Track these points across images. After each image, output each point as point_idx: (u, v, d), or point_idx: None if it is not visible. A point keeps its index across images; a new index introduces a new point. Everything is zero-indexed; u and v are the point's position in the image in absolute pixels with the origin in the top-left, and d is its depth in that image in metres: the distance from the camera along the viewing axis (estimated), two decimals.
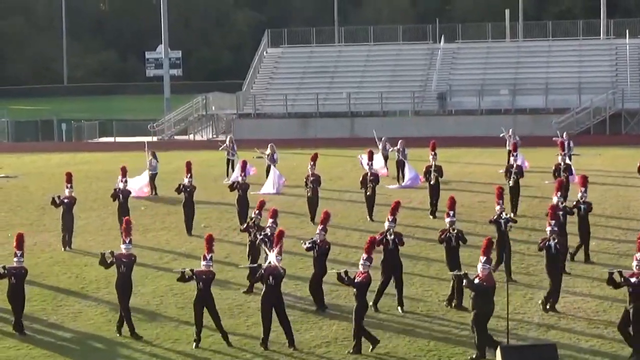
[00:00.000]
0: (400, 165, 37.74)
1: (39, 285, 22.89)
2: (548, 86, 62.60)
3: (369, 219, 30.54)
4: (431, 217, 30.83)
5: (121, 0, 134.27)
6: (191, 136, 65.44)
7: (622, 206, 32.10)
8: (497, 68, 66.79)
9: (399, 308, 20.39)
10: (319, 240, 20.47)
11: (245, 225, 22.76)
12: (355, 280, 17.79)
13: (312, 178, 30.78)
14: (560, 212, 22.65)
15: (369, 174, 30.87)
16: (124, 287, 19.02)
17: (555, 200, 23.05)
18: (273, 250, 18.44)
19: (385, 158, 39.65)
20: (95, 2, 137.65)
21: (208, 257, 18.40)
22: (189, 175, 29.28)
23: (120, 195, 28.87)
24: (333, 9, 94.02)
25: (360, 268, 17.93)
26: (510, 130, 43.59)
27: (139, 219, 31.17)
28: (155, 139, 62.20)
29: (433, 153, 31.55)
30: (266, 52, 71.19)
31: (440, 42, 69.79)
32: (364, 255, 18.09)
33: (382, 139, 40.67)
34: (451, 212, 20.82)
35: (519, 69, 66.37)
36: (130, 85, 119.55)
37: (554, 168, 32.06)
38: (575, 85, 61.88)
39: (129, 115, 76.82)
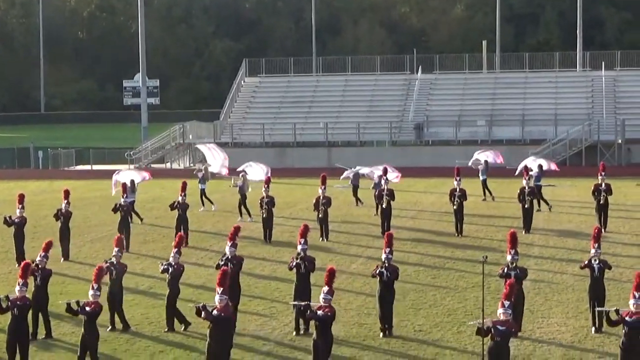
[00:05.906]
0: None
1: None
2: (524, 117, 62.99)
3: (321, 239, 31.74)
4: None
5: (99, 29, 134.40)
6: (168, 164, 65.31)
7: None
8: (474, 99, 67.13)
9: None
10: (174, 263, 20.86)
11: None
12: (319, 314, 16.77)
13: (266, 200, 32.21)
14: None
15: (321, 197, 32.03)
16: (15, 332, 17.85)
17: None
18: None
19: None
20: (74, 31, 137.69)
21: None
22: (125, 195, 31.33)
23: (62, 217, 29.35)
24: (311, 39, 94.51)
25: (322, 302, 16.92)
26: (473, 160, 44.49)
27: None
28: (132, 167, 62.00)
29: (385, 178, 33.55)
30: (244, 82, 71.32)
31: (417, 72, 70.14)
32: (325, 288, 17.11)
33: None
34: (512, 251, 19.82)
35: (496, 100, 66.76)
36: (108, 113, 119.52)
37: (518, 192, 33.27)
38: (551, 116, 62.28)
39: (106, 143, 76.71)
